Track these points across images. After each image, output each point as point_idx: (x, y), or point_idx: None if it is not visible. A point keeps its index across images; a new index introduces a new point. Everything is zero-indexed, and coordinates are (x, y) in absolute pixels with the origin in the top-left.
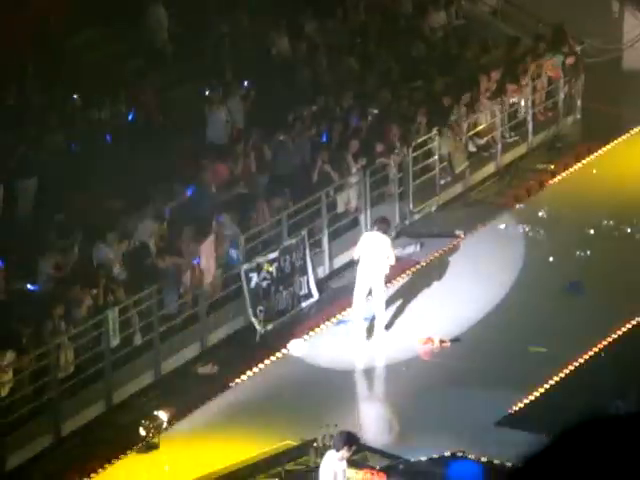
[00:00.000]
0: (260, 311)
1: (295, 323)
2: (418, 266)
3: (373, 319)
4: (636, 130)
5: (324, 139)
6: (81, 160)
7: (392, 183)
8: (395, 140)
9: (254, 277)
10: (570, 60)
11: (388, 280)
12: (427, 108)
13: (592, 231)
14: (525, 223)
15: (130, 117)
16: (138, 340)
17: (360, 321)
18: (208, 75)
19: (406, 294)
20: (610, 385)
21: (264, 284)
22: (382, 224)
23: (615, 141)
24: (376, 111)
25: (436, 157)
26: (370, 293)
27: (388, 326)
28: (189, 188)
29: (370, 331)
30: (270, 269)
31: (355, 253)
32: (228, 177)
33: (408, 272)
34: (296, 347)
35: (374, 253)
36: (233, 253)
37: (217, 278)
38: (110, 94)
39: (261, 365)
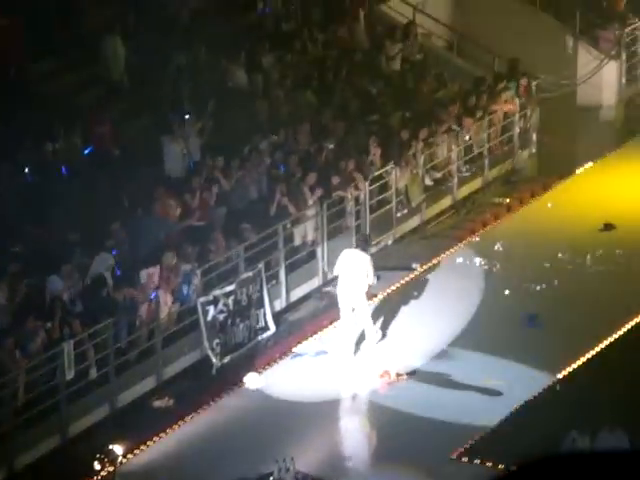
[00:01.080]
0: (217, 344)
1: (252, 356)
2: (375, 299)
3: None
4: (590, 165)
5: (282, 171)
6: (37, 192)
7: (349, 216)
8: (352, 173)
9: (211, 310)
10: (525, 95)
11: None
12: (384, 142)
13: (548, 264)
14: (481, 256)
15: (86, 150)
16: (93, 373)
17: (348, 340)
18: (165, 107)
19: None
20: (565, 417)
21: (221, 317)
22: (361, 242)
23: (570, 175)
24: (331, 146)
25: (393, 190)
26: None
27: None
28: (144, 220)
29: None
30: (227, 302)
31: (335, 270)
32: (181, 211)
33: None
34: (252, 380)
35: (353, 271)
36: (184, 288)
37: (173, 311)
38: (66, 126)
39: (217, 398)
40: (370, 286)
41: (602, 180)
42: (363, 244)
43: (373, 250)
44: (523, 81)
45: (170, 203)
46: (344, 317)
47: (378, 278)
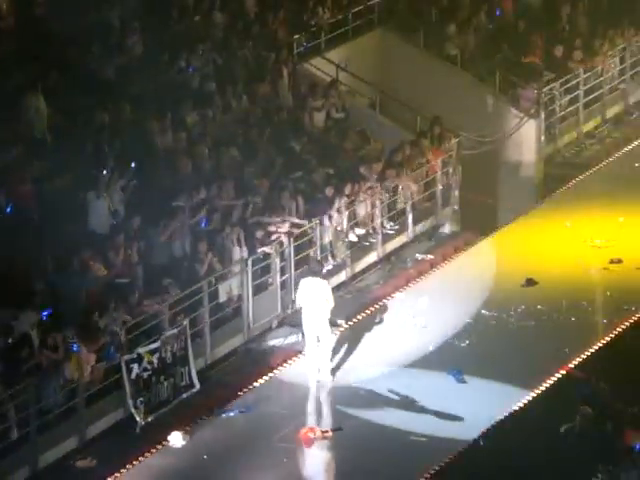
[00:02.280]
0: (141, 402)
1: (176, 414)
2: (300, 355)
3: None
4: (512, 221)
5: (204, 226)
6: None
7: (274, 272)
8: (277, 229)
9: (135, 368)
10: (447, 151)
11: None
12: (308, 198)
13: (471, 320)
14: (406, 312)
15: (7, 209)
16: (14, 434)
17: (314, 367)
18: (89, 165)
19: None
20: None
21: (145, 375)
22: (315, 267)
23: (492, 232)
24: (257, 200)
25: (317, 246)
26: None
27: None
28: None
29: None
30: (151, 359)
31: (297, 301)
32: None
33: (289, 361)
34: (177, 439)
35: (314, 299)
36: (109, 346)
37: (97, 369)
38: None
39: (141, 457)
40: (330, 312)
41: (523, 236)
42: (317, 269)
43: (297, 307)
44: (446, 141)
45: (94, 260)
46: (308, 346)
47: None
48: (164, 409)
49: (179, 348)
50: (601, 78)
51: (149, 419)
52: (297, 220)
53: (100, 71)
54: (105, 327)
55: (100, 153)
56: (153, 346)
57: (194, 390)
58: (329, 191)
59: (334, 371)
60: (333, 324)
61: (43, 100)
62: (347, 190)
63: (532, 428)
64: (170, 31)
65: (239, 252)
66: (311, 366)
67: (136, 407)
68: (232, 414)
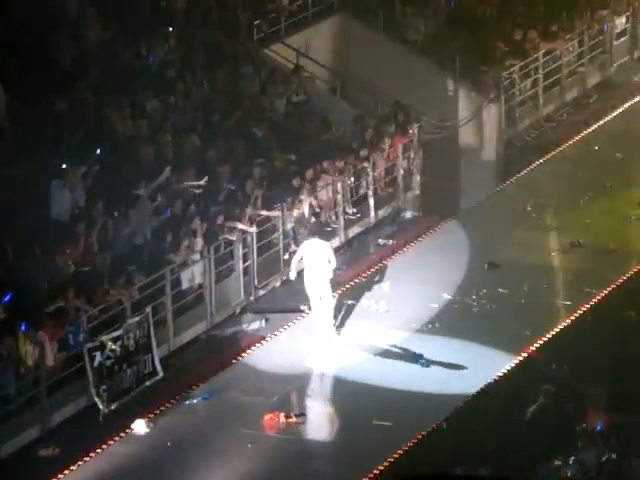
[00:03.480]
0: (103, 390)
1: (139, 402)
2: (263, 342)
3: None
4: (474, 205)
5: (167, 214)
6: None
7: (236, 259)
8: (239, 216)
9: (97, 356)
10: (408, 136)
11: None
12: (270, 184)
13: (434, 304)
14: (369, 297)
15: None
16: None
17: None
18: (49, 153)
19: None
20: (452, 453)
21: (108, 363)
22: (316, 229)
23: (454, 216)
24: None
25: (280, 233)
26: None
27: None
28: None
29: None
30: (114, 347)
31: (293, 263)
32: (67, 256)
33: (253, 348)
34: (140, 426)
35: (316, 260)
36: (71, 334)
37: (59, 357)
38: None
39: (105, 446)
40: (334, 270)
41: (485, 220)
42: (317, 231)
43: (260, 293)
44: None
45: (57, 248)
46: (314, 306)
47: (267, 321)
48: (127, 397)
49: (142, 336)
50: (560, 62)
51: (112, 407)
52: (263, 212)
53: (59, 57)
54: (66, 315)
55: (60, 141)
56: (116, 334)
57: (157, 378)
58: (292, 177)
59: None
60: (295, 310)
61: (1, 88)
62: (309, 175)
63: (495, 410)
64: (129, 17)
65: (201, 239)
66: (318, 325)
67: (99, 395)
68: (195, 401)
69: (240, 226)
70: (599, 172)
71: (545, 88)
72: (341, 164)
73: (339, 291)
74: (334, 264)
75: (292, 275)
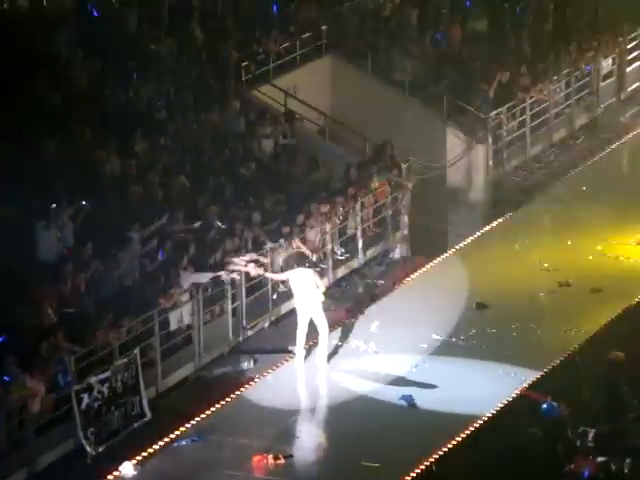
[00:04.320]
0: (91, 432)
1: (127, 444)
2: (252, 382)
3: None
4: (462, 245)
5: (161, 257)
6: None
7: (225, 299)
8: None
9: (85, 398)
10: (395, 177)
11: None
12: (261, 225)
13: (424, 345)
14: (358, 338)
15: None
16: None
17: (301, 352)
18: (37, 194)
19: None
20: None
21: (95, 405)
22: (299, 259)
23: (441, 256)
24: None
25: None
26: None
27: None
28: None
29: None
30: (102, 389)
31: (276, 277)
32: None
33: (242, 389)
34: (128, 469)
35: (305, 287)
36: (59, 376)
37: (47, 400)
38: None
39: None
40: (323, 294)
41: (473, 260)
42: (301, 261)
43: (248, 333)
44: (394, 171)
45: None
46: (300, 329)
47: (255, 361)
48: (115, 439)
49: (130, 377)
50: (547, 103)
51: (100, 449)
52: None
53: (48, 98)
54: (53, 357)
55: (48, 182)
56: (103, 376)
57: (145, 419)
58: (283, 225)
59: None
60: (285, 351)
61: None
62: (299, 220)
63: (481, 453)
64: (118, 58)
65: (189, 280)
66: (299, 354)
67: (87, 437)
68: (184, 443)
69: (239, 267)
70: (587, 211)
71: (532, 129)
72: (326, 208)
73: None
74: (322, 288)
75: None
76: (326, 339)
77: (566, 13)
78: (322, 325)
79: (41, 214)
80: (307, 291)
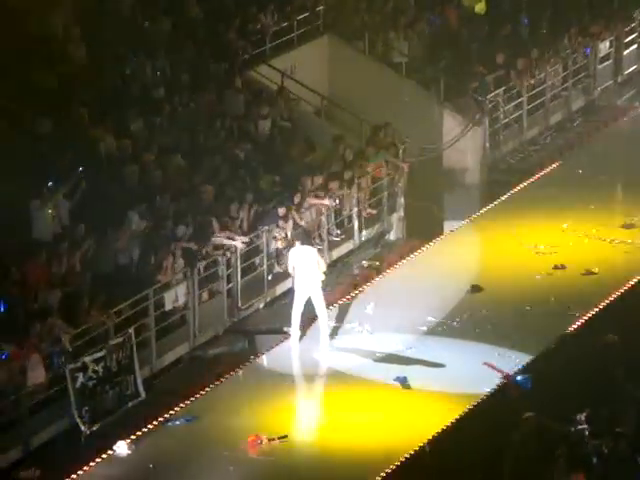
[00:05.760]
0: (86, 411)
1: (122, 423)
2: (247, 363)
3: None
4: (458, 228)
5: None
6: None
7: (220, 280)
8: (223, 238)
9: (80, 377)
10: (392, 159)
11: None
12: (255, 205)
13: (421, 327)
14: (353, 319)
15: None
16: None
17: (297, 333)
18: (32, 172)
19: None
20: None
21: (90, 384)
22: (303, 237)
23: (437, 238)
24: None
25: (264, 254)
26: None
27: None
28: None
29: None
30: (96, 368)
31: (289, 268)
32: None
33: (236, 369)
34: (122, 448)
35: (305, 265)
36: (54, 355)
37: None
38: None
39: (86, 467)
40: (324, 274)
41: (468, 243)
42: (305, 238)
43: (243, 314)
44: (391, 150)
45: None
46: (295, 308)
47: (249, 343)
48: (109, 418)
49: (124, 357)
50: (544, 85)
51: (94, 428)
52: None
53: (43, 78)
54: (47, 337)
55: (43, 161)
56: (98, 355)
57: (140, 399)
58: (280, 209)
59: None
60: (280, 332)
61: None
62: (296, 200)
63: (471, 442)
64: (114, 38)
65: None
66: (293, 327)
67: (81, 416)
68: (178, 423)
69: (226, 241)
70: (582, 195)
71: (529, 111)
72: (320, 181)
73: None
74: (324, 267)
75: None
76: (326, 319)
77: None
78: (320, 306)
79: (36, 193)
80: (308, 270)
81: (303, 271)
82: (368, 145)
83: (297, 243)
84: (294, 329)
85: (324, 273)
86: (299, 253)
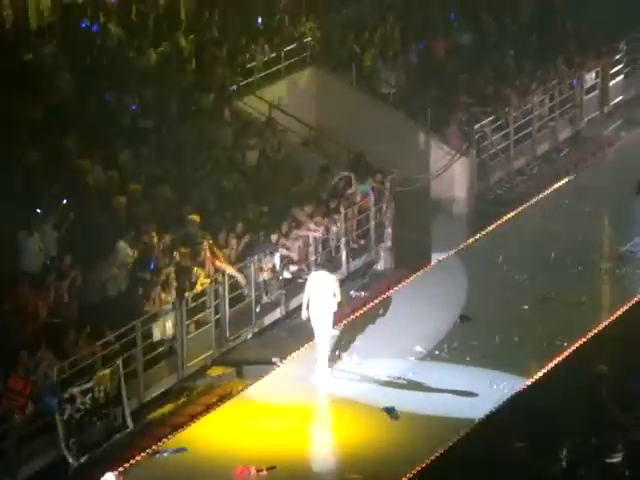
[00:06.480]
0: (73, 443)
1: (109, 455)
2: (236, 394)
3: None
4: (445, 257)
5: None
6: None
7: (208, 310)
8: (211, 267)
9: (67, 408)
10: (377, 189)
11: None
12: (244, 236)
13: (407, 357)
14: (340, 349)
15: None
16: None
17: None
18: (21, 203)
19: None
20: None
21: (78, 415)
22: (326, 262)
23: (426, 268)
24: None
25: (252, 284)
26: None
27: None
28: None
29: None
30: (84, 400)
31: (304, 301)
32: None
33: (224, 400)
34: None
35: (322, 291)
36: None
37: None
38: None
39: None
40: (338, 304)
41: (456, 272)
42: (327, 264)
43: (232, 345)
44: (377, 177)
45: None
46: (318, 336)
47: (238, 373)
48: (97, 450)
49: (112, 388)
50: (531, 115)
51: (82, 460)
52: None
53: (30, 108)
54: (35, 368)
55: (31, 192)
56: (86, 386)
57: (128, 430)
58: (272, 234)
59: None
60: (267, 362)
61: None
62: (284, 229)
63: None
64: (102, 68)
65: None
66: (321, 354)
67: (69, 448)
68: (166, 454)
69: (229, 271)
70: (570, 225)
71: (516, 142)
72: (311, 211)
73: (312, 343)
74: (339, 297)
75: (304, 315)
76: (326, 349)
77: (552, 27)
78: (325, 335)
79: (24, 224)
80: (324, 296)
81: (319, 297)
82: (352, 172)
83: (318, 268)
84: (321, 355)
85: (338, 304)
86: (318, 278)
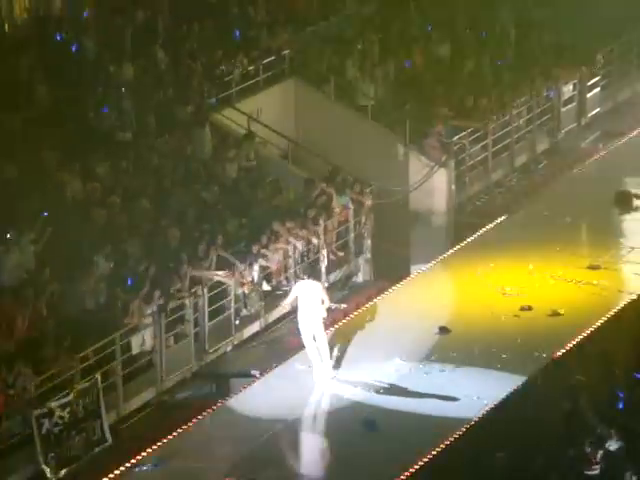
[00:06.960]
0: (52, 458)
1: (88, 469)
2: (214, 407)
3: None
4: (424, 269)
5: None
6: None
7: (187, 323)
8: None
9: (46, 423)
10: (356, 201)
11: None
12: (221, 248)
13: (389, 369)
14: (317, 362)
15: None
16: None
17: (316, 365)
18: None
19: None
20: None
21: (56, 430)
22: (310, 271)
23: (404, 280)
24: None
25: (231, 297)
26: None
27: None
28: None
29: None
30: (62, 414)
31: (287, 301)
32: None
33: (204, 413)
34: None
35: (309, 300)
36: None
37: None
38: None
39: None
40: (327, 310)
41: (435, 284)
42: (311, 271)
43: (211, 357)
44: (356, 187)
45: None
46: (307, 344)
47: (217, 386)
48: (76, 464)
49: (91, 402)
50: (509, 127)
51: (60, 475)
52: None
53: (9, 121)
54: (14, 382)
55: (9, 205)
56: (64, 400)
57: (106, 444)
58: (253, 246)
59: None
60: (247, 375)
61: None
62: (264, 241)
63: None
64: (79, 80)
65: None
66: (313, 362)
67: (47, 463)
68: (145, 468)
69: (217, 277)
70: (548, 236)
71: (494, 153)
72: (292, 225)
73: (292, 356)
74: (327, 304)
75: (285, 308)
76: (327, 355)
77: (529, 39)
78: (322, 341)
79: (1, 238)
80: (312, 305)
81: (306, 306)
82: (329, 185)
83: (304, 277)
84: (315, 363)
85: (327, 310)
86: (304, 287)
